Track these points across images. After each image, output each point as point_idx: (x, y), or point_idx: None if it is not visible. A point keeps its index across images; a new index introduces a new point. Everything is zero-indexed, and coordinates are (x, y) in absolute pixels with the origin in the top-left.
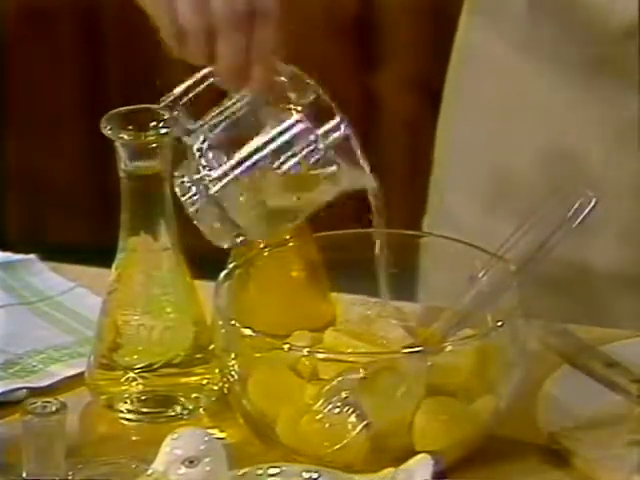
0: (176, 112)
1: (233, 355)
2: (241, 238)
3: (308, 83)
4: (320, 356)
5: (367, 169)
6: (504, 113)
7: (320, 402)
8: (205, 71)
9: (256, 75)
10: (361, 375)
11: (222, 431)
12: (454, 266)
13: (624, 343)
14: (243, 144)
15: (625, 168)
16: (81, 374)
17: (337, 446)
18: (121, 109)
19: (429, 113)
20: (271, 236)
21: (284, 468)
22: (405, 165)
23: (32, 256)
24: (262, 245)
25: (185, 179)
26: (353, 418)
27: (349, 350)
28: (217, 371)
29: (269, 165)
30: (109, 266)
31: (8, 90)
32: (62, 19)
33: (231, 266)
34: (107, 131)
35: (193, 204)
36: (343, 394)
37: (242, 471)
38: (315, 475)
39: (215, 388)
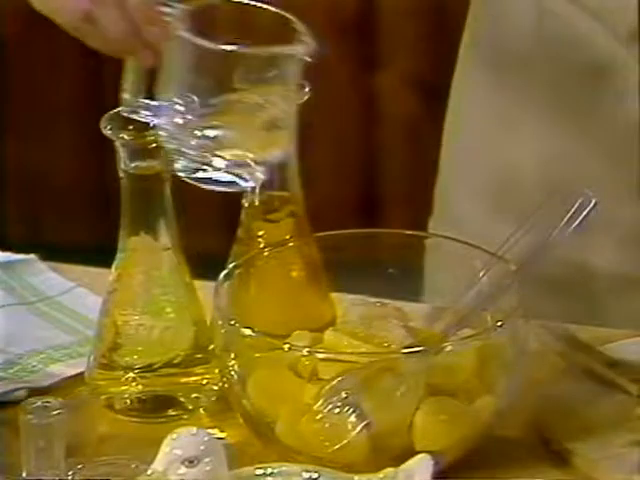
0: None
1: (233, 355)
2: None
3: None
4: (320, 356)
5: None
6: (508, 120)
7: (320, 402)
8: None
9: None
10: (361, 375)
11: (222, 431)
12: (459, 267)
13: (624, 343)
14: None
15: (625, 169)
16: (81, 374)
17: (337, 446)
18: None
19: (429, 113)
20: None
21: (284, 468)
22: (405, 165)
23: (32, 256)
24: (262, 245)
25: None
26: (353, 418)
27: (349, 350)
28: (217, 371)
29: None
30: (109, 266)
31: (7, 90)
32: None
33: (231, 266)
34: (107, 131)
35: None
36: (343, 394)
37: (242, 471)
38: (315, 475)
39: (215, 388)
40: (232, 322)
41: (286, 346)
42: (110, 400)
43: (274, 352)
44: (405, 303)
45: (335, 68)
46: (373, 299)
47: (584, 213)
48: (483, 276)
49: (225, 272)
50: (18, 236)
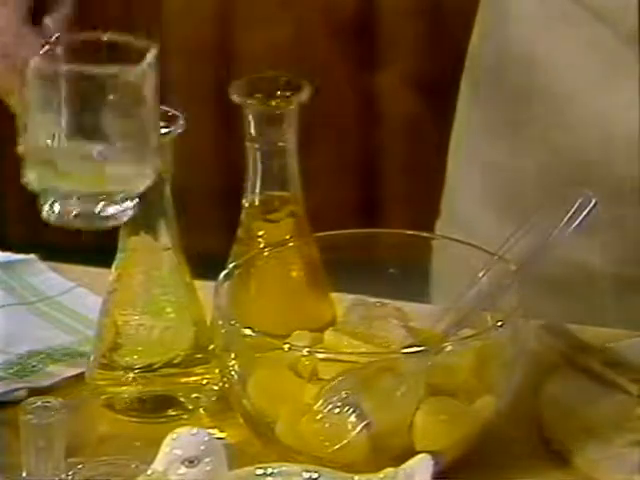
0: None
1: (233, 355)
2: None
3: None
4: (320, 356)
5: None
6: (515, 125)
7: (320, 402)
8: None
9: None
10: (361, 375)
11: (222, 431)
12: (465, 268)
13: (624, 343)
14: None
15: (625, 169)
16: (81, 374)
17: (337, 446)
18: None
19: (429, 113)
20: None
21: (284, 468)
22: (405, 165)
23: (32, 256)
24: (262, 245)
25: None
26: (353, 418)
27: (349, 350)
28: (217, 371)
29: None
30: (109, 266)
31: None
32: None
33: (231, 266)
34: None
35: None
36: (343, 394)
37: (242, 471)
38: (315, 475)
39: (215, 388)
40: (232, 322)
41: (286, 346)
42: (110, 400)
43: (274, 352)
44: (405, 303)
45: (335, 68)
46: (373, 299)
47: (584, 213)
48: (483, 276)
49: (225, 272)
50: (18, 236)
